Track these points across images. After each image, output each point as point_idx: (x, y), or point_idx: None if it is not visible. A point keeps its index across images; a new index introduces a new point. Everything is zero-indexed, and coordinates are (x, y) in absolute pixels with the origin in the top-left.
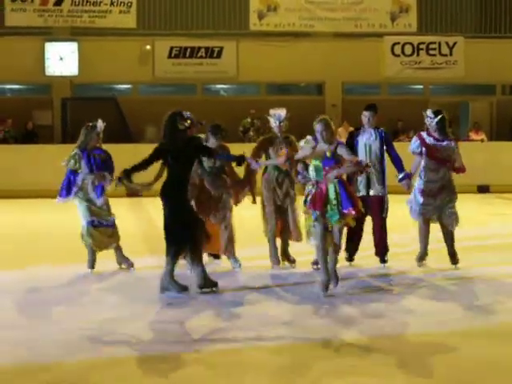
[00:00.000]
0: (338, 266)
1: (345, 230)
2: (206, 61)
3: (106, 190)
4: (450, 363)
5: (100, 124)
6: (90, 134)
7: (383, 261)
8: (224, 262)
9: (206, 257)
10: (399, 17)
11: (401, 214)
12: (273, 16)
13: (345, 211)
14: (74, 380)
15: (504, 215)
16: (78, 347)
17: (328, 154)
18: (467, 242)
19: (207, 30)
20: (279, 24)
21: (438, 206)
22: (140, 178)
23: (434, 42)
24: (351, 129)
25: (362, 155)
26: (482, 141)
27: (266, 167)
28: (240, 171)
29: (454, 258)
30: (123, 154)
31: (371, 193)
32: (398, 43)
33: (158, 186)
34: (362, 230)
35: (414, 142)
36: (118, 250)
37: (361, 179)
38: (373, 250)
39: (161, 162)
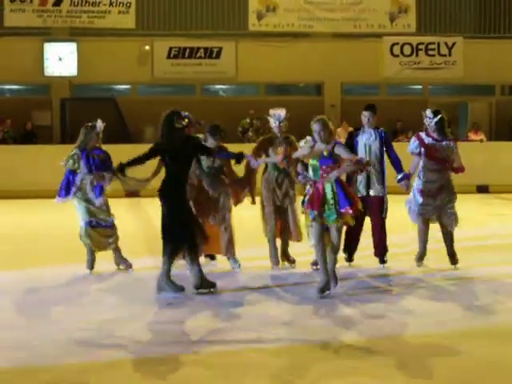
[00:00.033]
0: (337, 266)
1: (344, 229)
2: (205, 61)
3: (105, 190)
4: (450, 364)
5: (99, 124)
6: (89, 133)
7: (383, 261)
8: (223, 263)
9: (202, 258)
10: (398, 17)
11: (400, 215)
12: (272, 16)
13: (342, 210)
14: (73, 380)
15: (503, 215)
16: (77, 348)
17: (325, 153)
18: (466, 242)
19: (206, 31)
20: (278, 24)
21: (438, 206)
22: (138, 175)
23: (433, 43)
24: (351, 129)
25: (361, 155)
26: (481, 141)
27: (266, 167)
28: (238, 170)
29: (453, 258)
30: (122, 155)
31: (371, 193)
32: (397, 43)
33: (156, 184)
34: (360, 230)
35: (413, 142)
36: (117, 250)
37: (360, 179)
38: (372, 250)
39: (158, 158)
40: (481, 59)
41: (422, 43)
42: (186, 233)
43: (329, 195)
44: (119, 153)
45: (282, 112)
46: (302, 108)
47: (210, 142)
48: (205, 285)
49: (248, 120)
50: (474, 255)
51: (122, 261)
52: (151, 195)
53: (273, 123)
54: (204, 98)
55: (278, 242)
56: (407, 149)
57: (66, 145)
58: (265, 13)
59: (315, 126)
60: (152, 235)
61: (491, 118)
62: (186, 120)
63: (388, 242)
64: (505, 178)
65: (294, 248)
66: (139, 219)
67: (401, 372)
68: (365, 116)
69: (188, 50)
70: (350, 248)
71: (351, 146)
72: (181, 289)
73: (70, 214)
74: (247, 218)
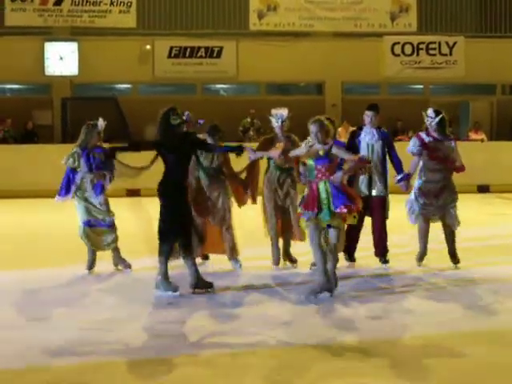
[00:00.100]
0: (337, 266)
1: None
2: (205, 60)
3: (105, 189)
4: (450, 365)
5: (101, 123)
6: (90, 132)
7: (384, 261)
8: (223, 263)
9: (199, 259)
10: (399, 16)
11: (400, 215)
12: (273, 16)
13: (336, 210)
14: (73, 380)
15: (504, 215)
16: (77, 348)
17: (321, 153)
18: (467, 242)
19: (207, 30)
20: (279, 24)
21: (440, 206)
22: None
23: (434, 42)
24: (352, 128)
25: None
26: (481, 141)
27: (268, 167)
28: (238, 166)
29: (454, 257)
30: (123, 154)
31: (373, 193)
32: (398, 43)
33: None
34: (360, 229)
35: (413, 142)
36: (116, 251)
37: (362, 179)
38: (373, 250)
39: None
40: (482, 59)
41: (423, 43)
42: (181, 232)
43: (323, 195)
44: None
45: (284, 112)
46: (303, 107)
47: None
48: (201, 285)
49: (249, 119)
50: (474, 255)
51: (120, 261)
52: (152, 195)
53: (275, 123)
54: (205, 97)
55: (280, 241)
56: (407, 149)
57: (67, 144)
58: (266, 12)
59: (312, 127)
60: (152, 235)
61: (492, 117)
62: (183, 117)
63: (388, 242)
64: (506, 178)
65: (295, 248)
66: (140, 219)
67: (401, 373)
68: (367, 116)
69: (189, 50)
70: (350, 248)
71: (354, 145)
72: (174, 289)
73: (70, 214)
74: (248, 217)
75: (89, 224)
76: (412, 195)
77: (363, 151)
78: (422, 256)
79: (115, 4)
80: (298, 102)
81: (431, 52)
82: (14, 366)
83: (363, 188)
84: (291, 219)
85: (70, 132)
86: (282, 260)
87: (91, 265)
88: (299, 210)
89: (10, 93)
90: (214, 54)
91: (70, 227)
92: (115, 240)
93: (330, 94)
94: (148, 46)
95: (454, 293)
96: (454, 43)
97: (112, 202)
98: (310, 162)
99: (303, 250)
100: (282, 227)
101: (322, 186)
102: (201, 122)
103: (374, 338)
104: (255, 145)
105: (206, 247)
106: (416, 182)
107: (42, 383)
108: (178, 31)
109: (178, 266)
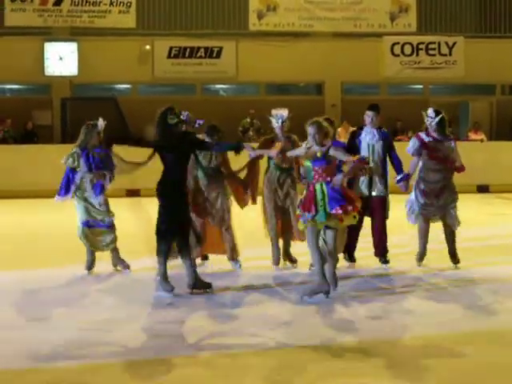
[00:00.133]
0: (337, 266)
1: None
2: (205, 61)
3: (106, 189)
4: (450, 365)
5: (101, 122)
6: (90, 132)
7: (385, 261)
8: (223, 263)
9: (198, 260)
10: (399, 17)
11: (400, 215)
12: (272, 16)
13: (332, 212)
14: (73, 380)
15: (504, 215)
16: (77, 348)
17: (318, 155)
18: (467, 242)
19: (207, 30)
20: (278, 24)
21: (441, 206)
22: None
23: (434, 42)
24: (352, 128)
25: (364, 155)
26: (481, 141)
27: (268, 167)
28: (237, 165)
29: (455, 257)
30: (122, 154)
31: (373, 193)
32: (398, 43)
33: (154, 183)
34: (360, 229)
35: (413, 142)
36: (115, 251)
37: (362, 179)
38: (372, 250)
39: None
40: (481, 59)
41: (423, 43)
42: (178, 232)
43: (319, 196)
44: (120, 152)
45: (284, 112)
46: (303, 108)
47: None
48: (199, 285)
49: (248, 119)
50: (474, 255)
51: (119, 262)
52: (152, 195)
53: (275, 123)
54: (204, 97)
55: (280, 242)
56: (406, 149)
57: (67, 144)
58: (265, 12)
59: (310, 129)
60: (152, 235)
61: (492, 117)
62: (181, 116)
63: (388, 243)
64: (505, 178)
65: (295, 248)
66: (139, 219)
67: (401, 373)
68: (368, 116)
69: (188, 50)
70: (350, 248)
71: (354, 145)
72: (170, 289)
73: (70, 214)
74: (248, 218)
75: (87, 224)
76: (412, 195)
77: (364, 151)
78: (421, 256)
79: (115, 4)
80: (297, 102)
81: (431, 52)
82: (14, 366)
83: (363, 188)
84: (291, 219)
85: (69, 132)
86: (282, 260)
87: (90, 265)
88: (298, 211)
89: (9, 93)
90: (214, 54)
91: (70, 227)
92: (114, 240)
93: (330, 94)
94: (148, 47)
95: (453, 293)
96: (454, 43)
97: (112, 202)
98: (308, 164)
99: (303, 250)
100: (282, 227)
101: (318, 187)
102: (200, 122)
103: (373, 338)
104: (255, 145)
105: (206, 247)
106: (416, 183)
107: (41, 383)
108: (178, 31)
109: (176, 266)
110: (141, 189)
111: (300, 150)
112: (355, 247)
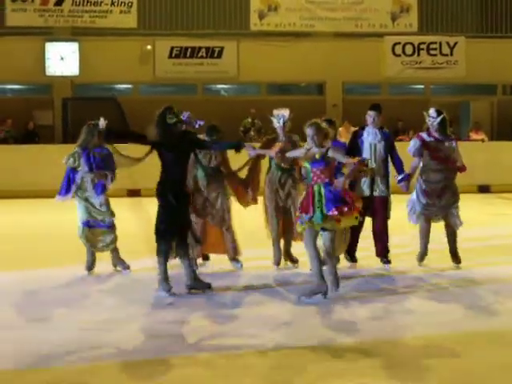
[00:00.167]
0: (338, 266)
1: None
2: (206, 61)
3: (107, 188)
4: (451, 365)
5: (102, 122)
6: (91, 132)
7: (386, 261)
8: (224, 263)
9: (199, 260)
10: (400, 17)
11: (401, 215)
12: (273, 16)
13: (328, 213)
14: (73, 380)
15: (505, 215)
16: (77, 348)
17: (317, 156)
18: (468, 242)
19: (208, 30)
20: (280, 24)
21: (443, 207)
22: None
23: (435, 42)
24: (353, 128)
25: (366, 155)
26: (482, 141)
27: (270, 167)
28: (234, 165)
29: (456, 257)
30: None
31: (375, 193)
32: (399, 43)
33: (155, 183)
34: (360, 230)
35: (414, 143)
36: (115, 251)
37: (364, 179)
38: (373, 250)
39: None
40: (483, 59)
41: (424, 43)
42: (177, 232)
43: (317, 198)
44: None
45: (285, 112)
46: (304, 108)
47: None
48: (198, 286)
49: (249, 119)
50: (475, 255)
51: (119, 262)
52: (152, 195)
53: (276, 123)
54: (205, 97)
55: (281, 242)
56: (407, 149)
57: (68, 144)
58: (266, 12)
59: (308, 131)
60: (152, 235)
61: (493, 117)
62: (180, 116)
63: (389, 243)
64: (506, 178)
65: (296, 248)
66: (140, 219)
67: (402, 373)
68: (370, 116)
69: (190, 50)
70: (351, 248)
71: (356, 145)
72: (167, 289)
73: (70, 214)
74: (248, 218)
75: (88, 224)
76: (413, 195)
77: (366, 151)
78: (422, 256)
79: (116, 4)
80: (298, 102)
81: (432, 52)
82: (14, 366)
83: (365, 188)
84: (292, 219)
85: (70, 132)
86: (283, 260)
87: (91, 265)
88: (297, 213)
89: (10, 93)
90: (215, 54)
91: (70, 227)
92: (114, 241)
93: (331, 94)
94: (149, 46)
95: (455, 293)
96: (455, 43)
97: (112, 202)
98: (306, 165)
99: (304, 250)
100: (283, 227)
101: (316, 188)
102: (200, 122)
103: (374, 338)
104: (257, 145)
105: (206, 247)
106: (418, 183)
107: (41, 383)
108: (179, 31)
109: (176, 266)
110: (141, 189)
111: (299, 152)
112: (356, 247)
